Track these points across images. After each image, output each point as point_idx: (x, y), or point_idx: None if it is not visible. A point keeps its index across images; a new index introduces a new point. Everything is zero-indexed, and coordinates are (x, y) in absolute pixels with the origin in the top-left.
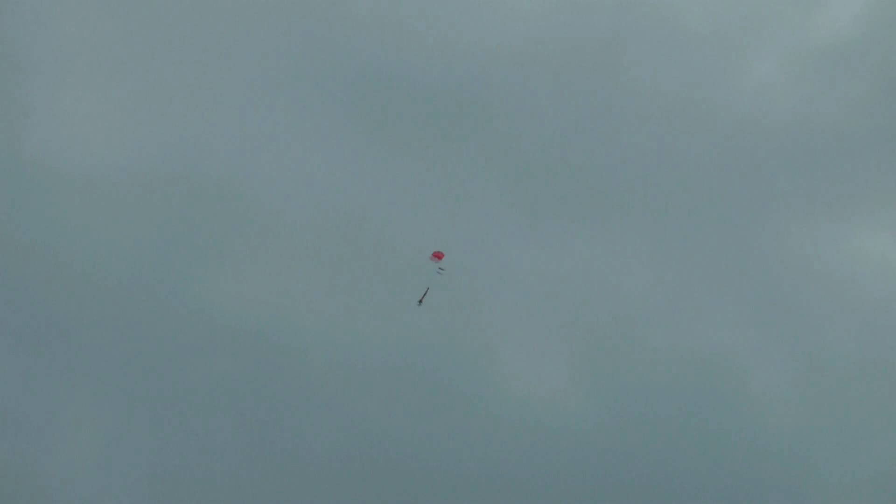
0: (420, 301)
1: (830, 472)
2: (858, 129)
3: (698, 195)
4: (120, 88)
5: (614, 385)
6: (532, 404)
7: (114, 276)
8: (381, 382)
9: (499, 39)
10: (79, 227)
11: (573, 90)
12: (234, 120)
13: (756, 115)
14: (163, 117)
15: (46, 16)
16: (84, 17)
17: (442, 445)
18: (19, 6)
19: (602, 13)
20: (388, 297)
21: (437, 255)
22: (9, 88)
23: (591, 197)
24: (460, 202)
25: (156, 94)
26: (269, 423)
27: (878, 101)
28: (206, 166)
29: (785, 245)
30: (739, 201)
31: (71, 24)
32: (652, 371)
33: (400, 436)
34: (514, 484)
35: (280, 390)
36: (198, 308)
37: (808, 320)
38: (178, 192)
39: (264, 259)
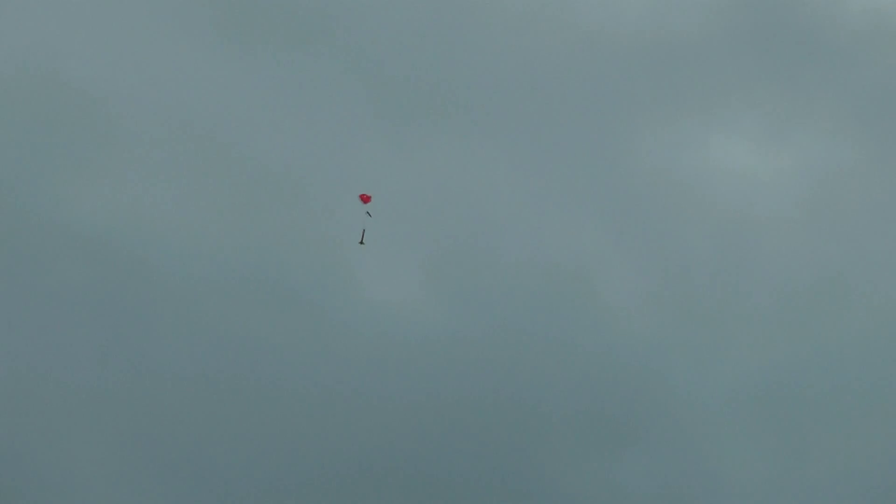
0: (361, 241)
1: (686, 385)
2: (712, 35)
3: (552, 104)
4: None
5: (468, 295)
6: (385, 313)
7: None
8: (234, 291)
9: None
10: None
11: None
12: (89, 25)
13: (609, 22)
14: (15, 20)
15: None
16: None
17: (296, 354)
18: None
19: None
20: (241, 205)
21: (364, 198)
22: None
23: (445, 105)
24: (314, 110)
25: None
26: (122, 332)
27: (731, 6)
28: (61, 70)
29: (639, 154)
30: (593, 110)
31: None
32: (506, 281)
33: (251, 345)
34: (366, 393)
35: (132, 300)
36: (51, 215)
37: (663, 230)
38: (32, 97)
39: (117, 166)
